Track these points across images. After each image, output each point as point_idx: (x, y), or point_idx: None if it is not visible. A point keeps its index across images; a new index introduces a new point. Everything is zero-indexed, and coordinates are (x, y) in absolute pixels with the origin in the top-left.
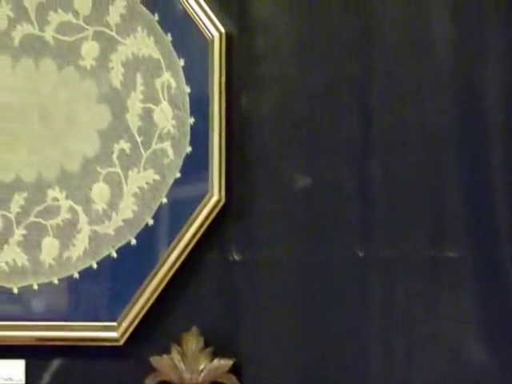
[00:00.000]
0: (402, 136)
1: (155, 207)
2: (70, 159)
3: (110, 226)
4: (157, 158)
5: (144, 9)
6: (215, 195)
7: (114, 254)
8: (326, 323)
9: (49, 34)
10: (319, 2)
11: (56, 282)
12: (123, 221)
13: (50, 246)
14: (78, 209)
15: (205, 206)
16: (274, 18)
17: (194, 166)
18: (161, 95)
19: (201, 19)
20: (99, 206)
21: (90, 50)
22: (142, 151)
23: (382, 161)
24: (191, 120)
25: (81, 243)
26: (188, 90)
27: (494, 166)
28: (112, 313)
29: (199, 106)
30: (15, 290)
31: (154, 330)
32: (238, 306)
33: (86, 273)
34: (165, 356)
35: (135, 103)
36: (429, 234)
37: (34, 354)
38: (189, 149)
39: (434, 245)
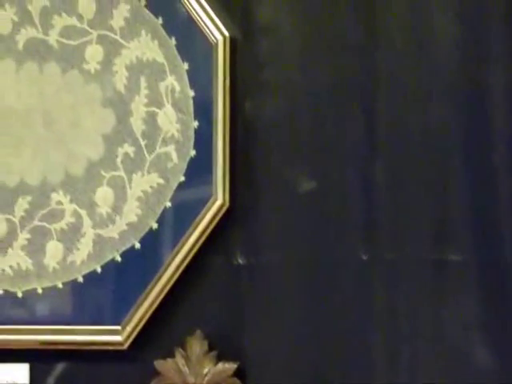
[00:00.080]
0: (406, 139)
1: (159, 211)
2: (74, 163)
3: (114, 229)
4: (161, 162)
5: (148, 12)
6: (219, 199)
7: (118, 258)
8: (330, 326)
9: (53, 38)
10: (323, 7)
11: (60, 285)
12: (127, 224)
13: (54, 250)
14: (82, 212)
15: (209, 209)
16: (278, 22)
17: (198, 169)
18: (165, 99)
19: (205, 23)
20: (103, 209)
21: (94, 53)
22: (146, 155)
23: (386, 164)
24: (195, 124)
25: (85, 247)
26: (192, 93)
27: (498, 169)
28: (116, 316)
29: (203, 109)
30: (19, 294)
31: (158, 334)
32: (242, 309)
33: (90, 277)
34: (169, 360)
35: (139, 107)
36: (432, 237)
37: (38, 358)
38: (193, 152)
39: (438, 248)
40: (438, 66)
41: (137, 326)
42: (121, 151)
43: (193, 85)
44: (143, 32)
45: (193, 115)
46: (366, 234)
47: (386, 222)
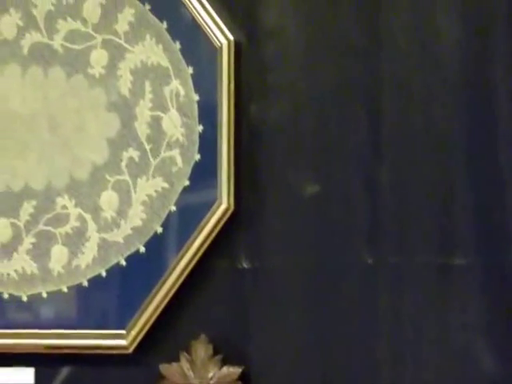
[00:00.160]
0: (410, 142)
1: (164, 215)
2: (79, 167)
3: (118, 233)
4: (165, 166)
5: (152, 17)
6: (224, 203)
7: (123, 262)
8: (334, 330)
9: (57, 42)
10: (327, 10)
11: (65, 289)
12: (132, 229)
13: (59, 254)
14: (87, 217)
15: (213, 213)
16: (283, 26)
17: (203, 173)
18: (169, 103)
19: (209, 27)
20: (108, 213)
21: (98, 58)
22: (151, 159)
23: (391, 168)
24: (200, 128)
25: (90, 251)
26: (196, 97)
27: (503, 171)
28: (121, 321)
29: (208, 113)
30: (24, 298)
31: (163, 338)
32: (247, 313)
33: (95, 281)
34: (174, 364)
35: (144, 111)
36: (437, 241)
37: (43, 362)
38: (197, 156)
39: (443, 252)
40: (442, 67)
41: (142, 330)
42: (125, 155)
43: (197, 89)
44: (148, 36)
45: (197, 119)
46: (371, 238)
47: (390, 225)
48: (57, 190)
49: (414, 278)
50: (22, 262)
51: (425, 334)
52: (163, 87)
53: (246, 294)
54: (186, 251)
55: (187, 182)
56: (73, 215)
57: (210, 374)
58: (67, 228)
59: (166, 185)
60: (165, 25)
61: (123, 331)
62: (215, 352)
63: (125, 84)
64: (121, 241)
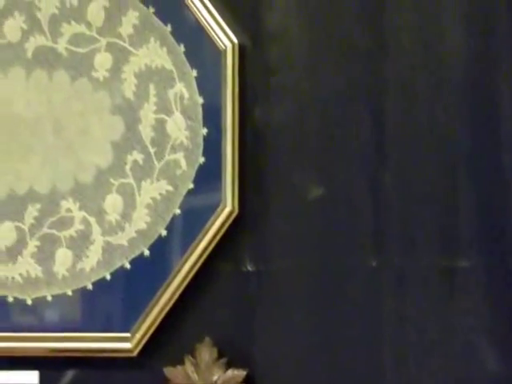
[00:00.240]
0: (415, 145)
1: (168, 218)
2: (83, 170)
3: (123, 237)
4: (170, 169)
5: (157, 20)
6: (228, 206)
7: (128, 265)
8: (339, 333)
9: (62, 46)
10: (332, 12)
11: (69, 293)
12: (136, 232)
13: (63, 258)
14: (92, 220)
15: (218, 216)
16: (287, 29)
17: (207, 176)
18: (174, 106)
19: (213, 30)
20: (112, 217)
21: (102, 61)
22: (155, 162)
23: (396, 171)
24: (204, 131)
25: (94, 254)
26: (201, 100)
27: (507, 174)
28: (125, 324)
29: (212, 116)
30: (29, 302)
31: (168, 341)
32: (252, 316)
33: (100, 284)
34: (178, 367)
35: (148, 114)
36: (441, 243)
37: (47, 365)
38: (202, 159)
39: (447, 255)
40: (446, 68)
41: (146, 333)
42: (130, 158)
43: (202, 92)
44: (152, 39)
45: (202, 122)
46: (376, 241)
47: (395, 228)
48: (61, 194)
49: (419, 280)
50: (26, 265)
51: (429, 336)
52: (167, 90)
53: (250, 297)
54: (191, 254)
55: (191, 185)
56: (77, 218)
57: (215, 377)
58: (72, 231)
59: (170, 188)
60: (169, 28)
61: (128, 334)
62: (220, 355)
63: (129, 87)
64: (125, 244)
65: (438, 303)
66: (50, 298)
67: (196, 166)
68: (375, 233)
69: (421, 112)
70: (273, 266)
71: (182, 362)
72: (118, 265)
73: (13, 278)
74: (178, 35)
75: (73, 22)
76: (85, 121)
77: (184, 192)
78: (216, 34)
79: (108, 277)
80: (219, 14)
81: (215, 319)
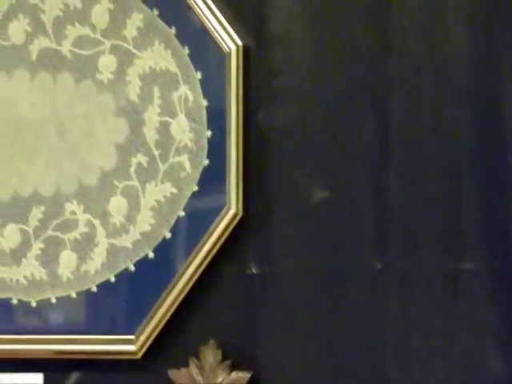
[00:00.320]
0: (419, 147)
1: (172, 220)
2: (88, 173)
3: (127, 239)
4: (174, 171)
5: (161, 22)
6: (232, 208)
7: (132, 268)
8: (343, 335)
9: (66, 48)
10: (336, 14)
11: (74, 295)
12: (141, 234)
13: (67, 260)
14: (96, 222)
15: (222, 218)
16: (292, 31)
17: (212, 178)
18: (178, 108)
19: (218, 32)
20: (117, 219)
21: (107, 63)
22: (160, 164)
23: (399, 173)
24: (208, 133)
25: (98, 257)
26: (205, 103)
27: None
28: (130, 326)
29: (216, 119)
30: (33, 304)
31: (172, 344)
32: (256, 318)
33: (104, 286)
34: (183, 369)
35: (152, 116)
36: (446, 246)
37: (52, 368)
38: (206, 162)
39: (451, 257)
40: (451, 69)
41: (150, 335)
42: (134, 161)
43: (206, 94)
44: (156, 42)
45: (206, 124)
46: (379, 243)
47: (399, 230)
48: (65, 196)
49: (422, 282)
50: (30, 267)
51: (432, 339)
52: (172, 92)
53: (254, 299)
54: (195, 256)
55: (196, 188)
56: (81, 221)
57: (219, 380)
58: (76, 234)
59: (174, 190)
60: (173, 30)
61: (132, 337)
62: (224, 357)
63: (133, 89)
64: (129, 246)
65: (441, 306)
66: (54, 301)
67: (200, 169)
68: (379, 235)
69: (425, 113)
70: (277, 268)
71: (186, 365)
72: (122, 267)
73: (17, 280)
74: (182, 38)
75: (77, 25)
76: (89, 123)
77: (188, 194)
78: (220, 37)
79: (112, 279)
80: (223, 16)
81: (219, 321)
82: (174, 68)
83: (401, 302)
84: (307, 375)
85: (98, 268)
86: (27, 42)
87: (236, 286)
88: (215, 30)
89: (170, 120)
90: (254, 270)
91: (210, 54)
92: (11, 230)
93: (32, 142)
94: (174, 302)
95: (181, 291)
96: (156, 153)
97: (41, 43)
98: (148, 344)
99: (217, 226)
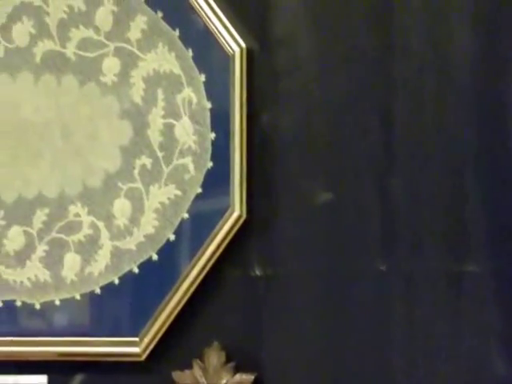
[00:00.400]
0: (423, 150)
1: (176, 222)
2: (92, 175)
3: (131, 241)
4: (178, 174)
5: (165, 24)
6: (236, 210)
7: (136, 270)
8: (347, 337)
9: (70, 50)
10: (341, 17)
11: (78, 297)
12: (145, 236)
13: (71, 262)
14: (100, 224)
15: (226, 221)
16: (296, 33)
17: (215, 181)
18: (182, 111)
19: (222, 34)
20: (121, 221)
21: (111, 65)
22: (164, 167)
23: (404, 176)
24: (212, 135)
25: (102, 259)
26: (209, 105)
27: None
28: (134, 328)
29: (220, 121)
30: (37, 306)
31: (176, 345)
32: (260, 320)
33: (108, 288)
34: (187, 371)
35: (156, 119)
36: (450, 248)
37: (56, 370)
38: (210, 164)
39: (456, 259)
40: (457, 78)
41: (154, 337)
42: (138, 163)
43: (210, 96)
44: (160, 44)
45: (210, 127)
46: (384, 245)
47: (403, 232)
48: (70, 198)
49: (427, 284)
50: (34, 269)
51: (438, 341)
52: (176, 95)
53: (258, 302)
54: (199, 258)
55: (200, 190)
56: (85, 223)
57: (223, 382)
58: (80, 236)
59: (178, 192)
60: (177, 32)
61: (136, 339)
62: (228, 359)
63: (137, 92)
64: (133, 248)
65: (446, 307)
66: (58, 303)
67: (204, 171)
68: (383, 237)
69: (429, 116)
70: (281, 270)
71: (190, 367)
72: (126, 269)
73: (21, 282)
74: (186, 40)
75: (81, 27)
76: (93, 125)
77: (192, 196)
78: (224, 39)
79: (116, 281)
80: (227, 18)
81: (223, 323)
82: (177, 70)
83: (405, 304)
84: (311, 377)
85: (101, 270)
86: (31, 45)
87: (240, 288)
88: (219, 32)
89: (174, 122)
90: (257, 272)
91: (213, 56)
92: (15, 232)
93: (36, 144)
94: (177, 304)
95: (185, 293)
96: (160, 155)
97: (45, 45)
98: (152, 346)
99: (221, 228)
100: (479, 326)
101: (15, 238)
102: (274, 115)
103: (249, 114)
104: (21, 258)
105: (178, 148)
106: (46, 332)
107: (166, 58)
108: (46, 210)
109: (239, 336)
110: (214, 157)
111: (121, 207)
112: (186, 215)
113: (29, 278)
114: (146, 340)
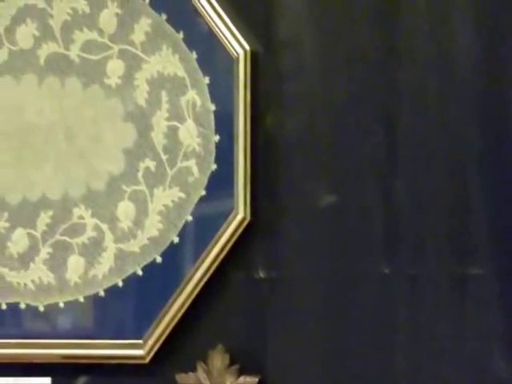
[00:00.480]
0: (426, 153)
1: (180, 225)
2: (96, 177)
3: (135, 243)
4: (182, 176)
5: (169, 27)
6: (240, 213)
7: (140, 272)
8: (351, 340)
9: (74, 53)
10: (344, 20)
11: (82, 299)
12: (148, 239)
13: (75, 264)
14: (104, 227)
15: (230, 223)
16: (300, 36)
17: (219, 183)
18: (186, 113)
19: (226, 37)
20: (124, 224)
21: (115, 68)
22: (167, 169)
23: (407, 178)
24: (216, 138)
25: (106, 261)
26: (213, 107)
27: None
28: (138, 330)
29: (224, 123)
30: (41, 308)
31: (180, 348)
32: (264, 323)
33: (112, 291)
34: (191, 373)
35: (160, 121)
36: (454, 251)
37: (59, 372)
38: (214, 166)
39: (459, 262)
40: (461, 81)
41: (158, 339)
42: (142, 166)
43: (214, 99)
44: (164, 46)
45: (214, 129)
46: (388, 248)
47: (407, 235)
48: (73, 201)
49: (431, 287)
50: (38, 272)
51: (441, 343)
52: (180, 97)
53: (262, 304)
54: (203, 261)
55: (203, 192)
56: (89, 225)
57: None
58: (84, 238)
59: (182, 195)
60: (181, 35)
61: (140, 341)
62: (232, 362)
63: (141, 94)
64: (137, 251)
65: (450, 310)
66: (62, 305)
67: (208, 173)
68: (387, 239)
69: (433, 119)
70: (285, 272)
71: (194, 369)
72: (130, 272)
73: (25, 284)
74: (190, 42)
75: (85, 29)
76: (97, 128)
77: (196, 199)
78: (228, 41)
79: (120, 284)
80: (231, 21)
81: (227, 326)
82: (181, 73)
83: (409, 307)
84: (315, 379)
85: (105, 272)
86: (35, 47)
87: (244, 291)
88: (223, 34)
89: (178, 125)
90: (261, 275)
91: (217, 58)
92: (19, 234)
93: (40, 146)
94: (181, 306)
95: (188, 296)
96: (164, 157)
97: (49, 48)
98: (156, 348)
99: (224, 230)
100: (483, 328)
101: (19, 240)
102: (278, 117)
103: (253, 117)
104: (25, 260)
105: (182, 150)
106: (49, 334)
107: (170, 60)
108: (50, 213)
109: (243, 338)
110: (218, 159)
111: (125, 210)
112: (189, 218)
113: (33, 281)
114: (150, 342)
